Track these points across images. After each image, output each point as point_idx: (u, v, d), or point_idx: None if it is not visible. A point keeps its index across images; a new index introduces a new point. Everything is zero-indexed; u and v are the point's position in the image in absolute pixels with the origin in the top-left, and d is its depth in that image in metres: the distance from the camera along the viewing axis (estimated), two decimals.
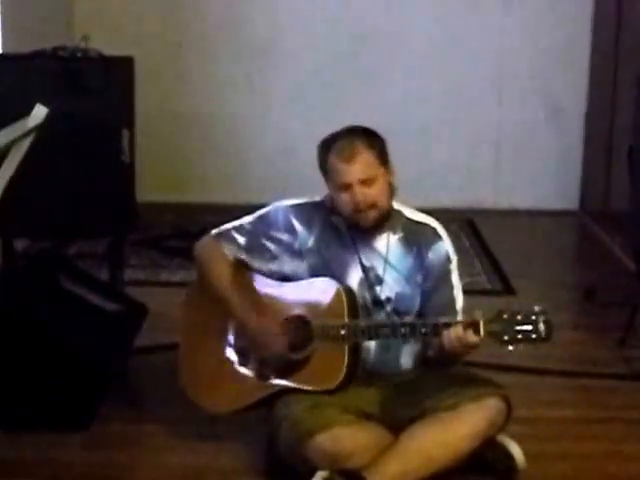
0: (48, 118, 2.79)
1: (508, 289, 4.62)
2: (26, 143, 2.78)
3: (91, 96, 3.78)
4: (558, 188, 6.08)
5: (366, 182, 2.77)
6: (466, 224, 5.68)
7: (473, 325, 2.62)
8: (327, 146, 2.84)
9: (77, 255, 4.54)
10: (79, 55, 3.91)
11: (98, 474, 2.87)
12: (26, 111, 2.81)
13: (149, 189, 5.26)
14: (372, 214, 2.80)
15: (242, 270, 2.92)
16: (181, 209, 5.85)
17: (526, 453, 2.81)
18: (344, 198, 2.80)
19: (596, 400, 3.43)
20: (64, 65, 3.82)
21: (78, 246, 4.67)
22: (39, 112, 2.76)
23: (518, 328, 2.57)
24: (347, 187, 2.78)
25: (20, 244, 3.97)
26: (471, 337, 2.62)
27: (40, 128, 2.81)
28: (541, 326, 2.57)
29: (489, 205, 6.04)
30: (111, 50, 3.95)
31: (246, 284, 2.92)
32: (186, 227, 5.41)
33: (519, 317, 2.58)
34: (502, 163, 6.10)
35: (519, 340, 2.58)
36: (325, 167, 2.84)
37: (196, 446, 3.01)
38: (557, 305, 4.42)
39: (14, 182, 2.87)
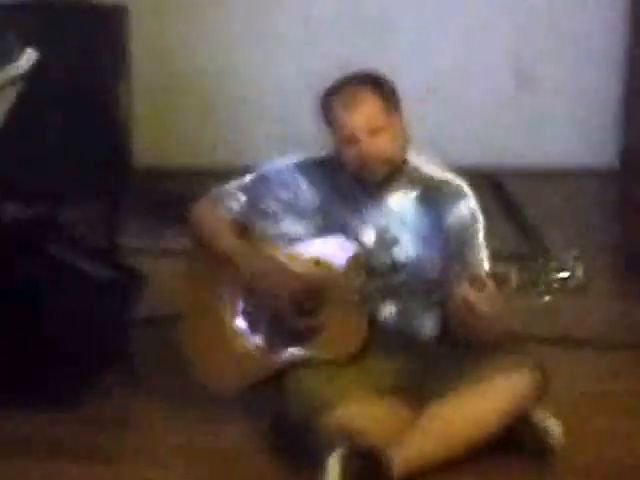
0: (38, 65, 2.75)
1: (541, 255, 4.56)
2: (14, 91, 2.75)
3: (82, 48, 3.75)
4: (595, 145, 5.97)
5: (374, 132, 2.71)
6: (492, 186, 5.61)
7: (501, 278, 2.54)
8: (329, 95, 2.80)
9: (70, 222, 4.51)
10: (68, 3, 3.89)
11: (97, 453, 2.88)
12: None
13: (146, 154, 5.21)
14: (381, 168, 2.76)
15: (243, 231, 2.90)
16: (182, 174, 5.79)
17: (564, 431, 2.77)
18: (350, 151, 2.75)
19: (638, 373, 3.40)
20: (52, 14, 3.80)
21: (72, 212, 4.63)
22: (29, 57, 2.73)
23: (554, 276, 2.48)
24: (353, 139, 2.72)
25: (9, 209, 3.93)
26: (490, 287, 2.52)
27: (29, 77, 2.77)
28: (579, 271, 2.48)
29: (517, 164, 5.93)
30: None
31: (249, 243, 2.89)
32: (187, 193, 5.36)
33: (553, 264, 2.49)
34: (530, 116, 5.99)
35: (556, 290, 2.48)
36: (328, 119, 2.79)
37: (198, 425, 3.00)
38: (596, 272, 4.39)
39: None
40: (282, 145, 5.38)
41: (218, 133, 5.97)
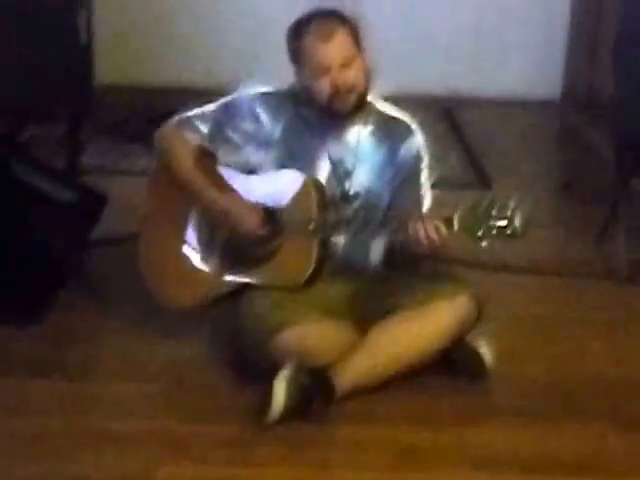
0: None
1: (484, 182, 4.67)
2: None
3: None
4: (540, 77, 6.06)
5: (345, 64, 2.81)
6: (443, 113, 5.68)
7: (446, 220, 2.66)
8: (300, 28, 2.86)
9: (32, 141, 4.51)
10: None
11: (56, 368, 2.95)
12: None
13: (109, 71, 5.20)
14: (351, 98, 2.85)
15: (207, 159, 2.96)
16: (144, 92, 5.78)
17: (497, 352, 2.91)
18: (322, 83, 2.82)
19: (571, 299, 3.54)
20: None
21: (33, 132, 4.63)
22: None
23: (493, 223, 2.58)
24: (326, 70, 2.81)
25: None
26: (443, 230, 2.64)
27: None
28: (517, 222, 2.57)
29: (466, 94, 6.01)
30: None
31: (211, 171, 2.97)
32: (149, 111, 5.37)
33: (494, 212, 2.59)
34: (481, 50, 6.05)
35: (493, 236, 2.58)
36: (298, 52, 2.86)
37: (158, 340, 3.08)
38: (534, 200, 4.48)
39: None
40: (248, 65, 5.39)
41: (182, 52, 5.94)
